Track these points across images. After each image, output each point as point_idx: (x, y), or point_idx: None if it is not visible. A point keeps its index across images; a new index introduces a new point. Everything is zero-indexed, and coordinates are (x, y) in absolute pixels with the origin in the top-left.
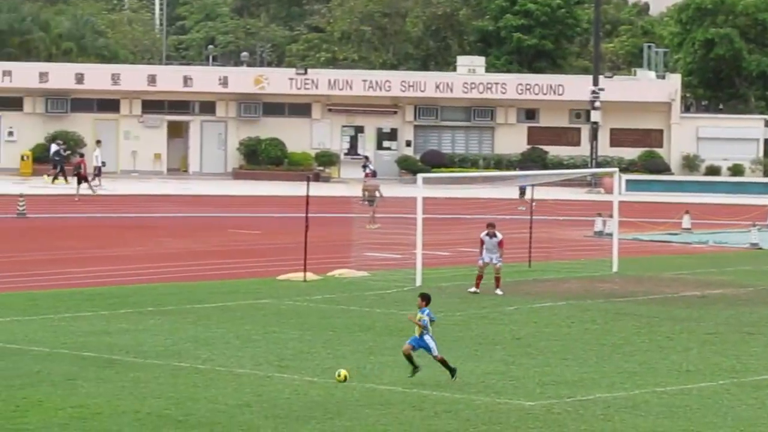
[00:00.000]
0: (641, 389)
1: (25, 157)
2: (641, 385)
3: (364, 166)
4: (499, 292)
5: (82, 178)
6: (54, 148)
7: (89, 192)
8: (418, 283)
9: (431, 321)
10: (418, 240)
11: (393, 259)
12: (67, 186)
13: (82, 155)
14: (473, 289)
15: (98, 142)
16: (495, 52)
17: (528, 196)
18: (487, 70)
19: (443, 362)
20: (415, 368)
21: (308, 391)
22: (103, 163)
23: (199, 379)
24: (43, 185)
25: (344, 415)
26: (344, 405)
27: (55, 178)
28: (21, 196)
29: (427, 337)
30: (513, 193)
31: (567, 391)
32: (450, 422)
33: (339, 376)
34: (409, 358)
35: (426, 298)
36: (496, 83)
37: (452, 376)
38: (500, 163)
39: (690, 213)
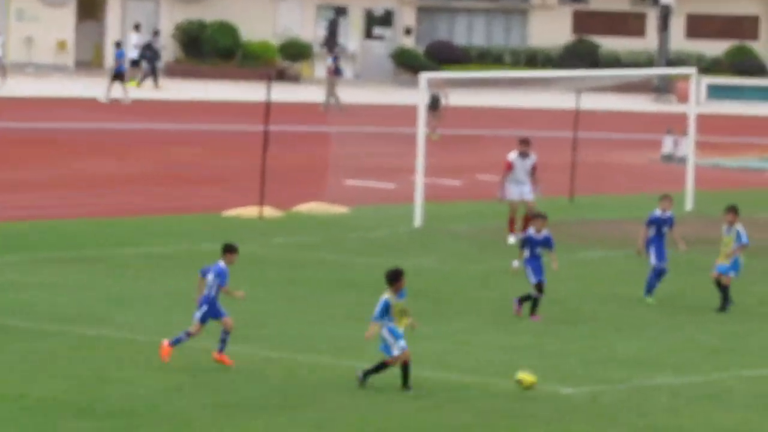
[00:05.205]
0: (722, 372)
1: None
2: (722, 366)
3: (333, 60)
4: None
5: None
6: (137, 39)
7: None
8: (418, 223)
9: None
10: (419, 164)
11: (383, 190)
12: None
13: None
14: (512, 239)
15: None
16: None
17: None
18: None
19: None
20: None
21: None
22: None
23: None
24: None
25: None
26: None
27: (143, 80)
28: None
29: None
30: (551, 101)
31: (620, 374)
32: (462, 415)
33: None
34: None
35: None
36: None
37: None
38: (534, 59)
39: None
